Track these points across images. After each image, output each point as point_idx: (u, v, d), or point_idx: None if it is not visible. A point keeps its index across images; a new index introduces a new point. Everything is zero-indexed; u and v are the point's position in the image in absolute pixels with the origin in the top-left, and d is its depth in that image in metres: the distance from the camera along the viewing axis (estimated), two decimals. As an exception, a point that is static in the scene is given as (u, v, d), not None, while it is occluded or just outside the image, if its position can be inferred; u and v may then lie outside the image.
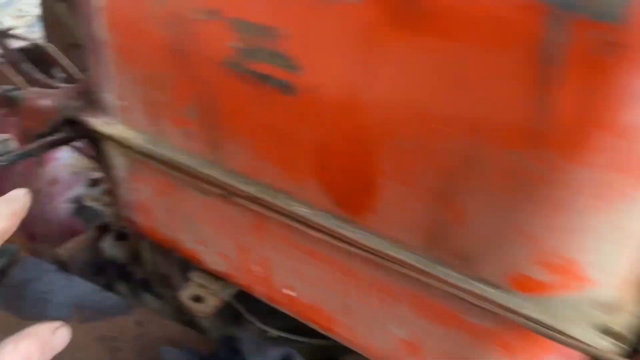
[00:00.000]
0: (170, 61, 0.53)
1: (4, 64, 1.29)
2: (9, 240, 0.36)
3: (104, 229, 1.11)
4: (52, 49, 1.37)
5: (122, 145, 0.65)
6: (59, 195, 1.23)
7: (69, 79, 1.40)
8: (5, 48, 1.14)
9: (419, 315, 0.49)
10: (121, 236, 1.06)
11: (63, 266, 1.06)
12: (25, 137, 0.77)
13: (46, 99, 0.73)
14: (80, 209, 1.21)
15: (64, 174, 1.25)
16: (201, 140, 0.57)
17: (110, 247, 1.05)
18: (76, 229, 1.21)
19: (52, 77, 1.42)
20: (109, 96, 0.64)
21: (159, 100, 0.59)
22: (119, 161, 0.70)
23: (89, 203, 1.22)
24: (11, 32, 1.32)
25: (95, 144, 0.72)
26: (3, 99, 0.80)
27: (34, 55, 1.42)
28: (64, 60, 1.36)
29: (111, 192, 0.83)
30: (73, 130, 0.73)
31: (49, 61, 1.43)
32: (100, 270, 1.07)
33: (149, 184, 0.68)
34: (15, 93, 0.77)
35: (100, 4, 0.57)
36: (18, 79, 1.28)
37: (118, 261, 1.05)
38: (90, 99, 0.70)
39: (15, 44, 1.22)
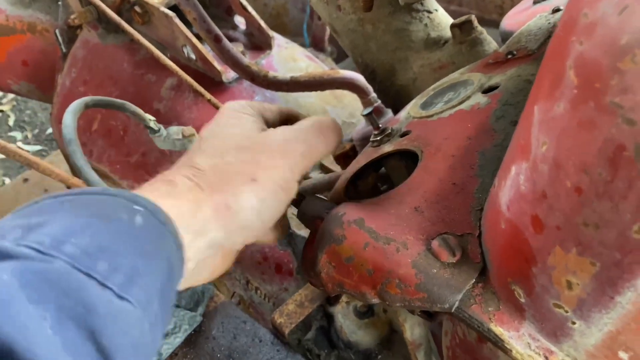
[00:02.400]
0: None
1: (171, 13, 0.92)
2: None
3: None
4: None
5: None
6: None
7: (253, 33, 1.02)
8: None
9: None
10: (366, 312, 0.76)
11: (281, 338, 0.77)
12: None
13: (394, 252, 0.37)
14: (288, 237, 0.90)
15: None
16: None
17: (350, 328, 0.74)
18: (279, 261, 0.92)
19: (233, 27, 1.04)
20: (585, 327, 0.28)
21: None
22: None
23: (299, 231, 0.91)
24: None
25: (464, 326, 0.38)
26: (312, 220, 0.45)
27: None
28: (249, 7, 0.97)
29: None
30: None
31: (223, 6, 1.03)
32: (333, 348, 0.78)
33: None
34: (331, 221, 0.41)
35: None
36: (188, 35, 0.91)
37: (360, 347, 0.75)
38: (497, 289, 0.34)
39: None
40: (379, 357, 0.76)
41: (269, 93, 0.97)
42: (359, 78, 0.77)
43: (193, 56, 0.93)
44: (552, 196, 0.28)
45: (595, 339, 0.30)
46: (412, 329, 0.65)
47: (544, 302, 0.32)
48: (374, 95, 0.79)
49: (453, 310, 0.35)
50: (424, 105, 0.56)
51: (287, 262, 0.90)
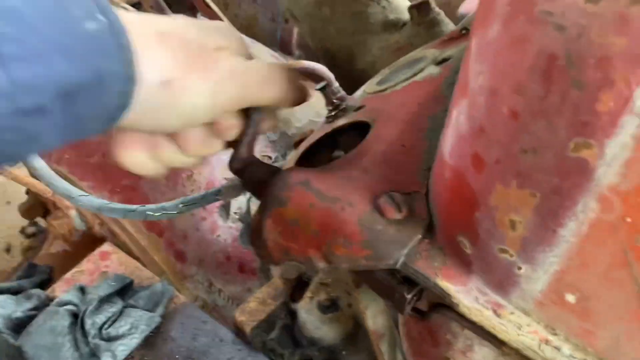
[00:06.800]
0: None
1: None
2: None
3: (298, 284, 0.79)
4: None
5: (523, 355, 0.29)
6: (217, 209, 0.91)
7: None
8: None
9: None
10: (329, 307, 0.73)
11: (243, 337, 0.74)
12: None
13: (339, 210, 0.36)
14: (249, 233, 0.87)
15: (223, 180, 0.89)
16: None
17: (313, 324, 0.72)
18: (243, 260, 0.89)
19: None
20: (531, 271, 0.27)
21: None
22: (478, 352, 0.34)
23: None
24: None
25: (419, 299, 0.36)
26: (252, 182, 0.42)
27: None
28: (212, 5, 0.96)
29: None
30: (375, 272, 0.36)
31: (186, 3, 1.02)
32: (297, 347, 0.75)
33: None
34: (277, 184, 0.39)
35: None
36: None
37: (324, 343, 0.72)
38: (443, 244, 0.33)
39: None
40: (344, 352, 0.74)
41: (233, 91, 0.96)
42: (321, 68, 0.76)
43: (155, 52, 0.91)
44: (489, 128, 0.27)
45: (542, 284, 0.29)
46: (375, 318, 0.63)
47: (489, 249, 0.30)
48: (337, 85, 0.78)
49: (398, 265, 0.34)
50: (380, 83, 0.55)
51: (250, 260, 0.87)
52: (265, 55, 1.08)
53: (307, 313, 0.74)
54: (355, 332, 0.75)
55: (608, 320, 0.27)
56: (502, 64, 0.25)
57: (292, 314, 0.79)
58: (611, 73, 0.21)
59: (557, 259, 0.27)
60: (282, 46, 1.35)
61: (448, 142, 0.32)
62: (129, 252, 0.95)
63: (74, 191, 0.62)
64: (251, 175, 0.41)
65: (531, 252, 0.28)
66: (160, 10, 0.72)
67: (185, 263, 0.94)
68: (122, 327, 0.76)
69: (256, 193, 0.42)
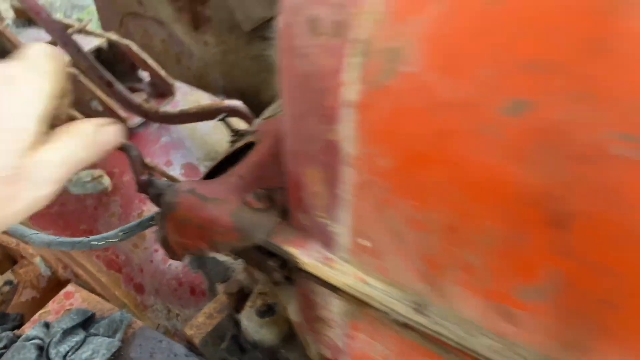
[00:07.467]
0: (518, 215, 0.27)
1: (76, 71, 1.02)
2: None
3: (239, 296, 0.88)
4: (134, 47, 1.08)
5: (351, 295, 0.39)
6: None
7: (156, 84, 1.13)
8: (76, 50, 0.85)
9: None
10: (267, 311, 0.82)
11: (194, 349, 0.83)
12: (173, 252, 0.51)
13: (215, 207, 0.46)
14: (199, 260, 0.96)
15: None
16: (543, 332, 0.31)
17: (253, 328, 0.81)
18: (193, 284, 0.98)
19: (138, 80, 1.15)
20: (338, 228, 0.38)
21: (454, 258, 0.32)
22: (333, 303, 0.44)
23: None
24: (82, 27, 1.02)
25: (286, 269, 0.46)
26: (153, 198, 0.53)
27: (108, 56, 1.13)
28: (150, 60, 1.08)
29: (302, 327, 0.58)
30: (252, 253, 0.47)
31: (127, 62, 1.14)
32: (243, 353, 0.84)
33: (383, 343, 0.42)
34: (168, 194, 0.50)
35: (353, 99, 0.30)
36: (93, 89, 1.01)
37: (265, 344, 0.81)
38: (293, 223, 0.43)
39: (85, 43, 0.92)
40: (282, 351, 0.83)
41: (175, 134, 1.07)
42: (241, 105, 0.88)
43: (100, 108, 1.03)
44: (286, 127, 0.38)
45: (347, 237, 0.40)
46: (296, 311, 0.72)
47: (313, 217, 0.41)
48: (257, 119, 0.90)
49: (262, 243, 0.44)
50: (273, 110, 0.67)
51: (200, 283, 0.96)
52: (205, 100, 1.20)
53: (248, 320, 0.83)
54: (292, 332, 0.84)
55: (388, 255, 0.38)
56: (284, 82, 0.37)
57: (238, 325, 0.88)
58: (328, 83, 0.32)
59: (348, 215, 0.38)
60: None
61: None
62: (92, 291, 1.03)
63: (27, 231, 0.72)
64: (152, 191, 0.52)
65: (332, 212, 0.39)
66: (95, 71, 0.84)
67: (144, 294, 1.03)
68: (84, 353, 0.84)
69: (158, 204, 0.52)
